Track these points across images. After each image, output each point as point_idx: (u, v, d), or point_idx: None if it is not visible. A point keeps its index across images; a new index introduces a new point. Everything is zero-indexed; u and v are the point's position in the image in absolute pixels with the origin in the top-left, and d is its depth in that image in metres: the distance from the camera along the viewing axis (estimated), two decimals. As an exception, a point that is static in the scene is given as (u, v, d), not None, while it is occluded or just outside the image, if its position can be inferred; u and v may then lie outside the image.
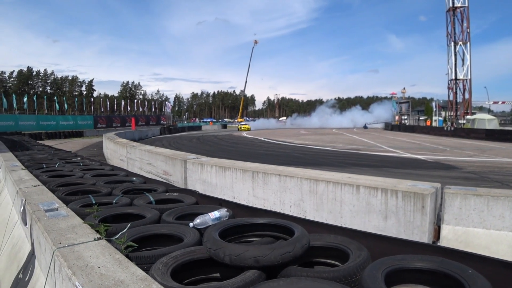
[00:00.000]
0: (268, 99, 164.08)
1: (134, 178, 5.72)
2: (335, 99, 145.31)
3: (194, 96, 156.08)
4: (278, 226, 2.80)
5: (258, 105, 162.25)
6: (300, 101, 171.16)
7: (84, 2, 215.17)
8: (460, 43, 45.39)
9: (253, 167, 5.74)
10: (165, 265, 2.27)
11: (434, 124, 51.66)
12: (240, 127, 64.51)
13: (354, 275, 2.14)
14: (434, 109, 54.52)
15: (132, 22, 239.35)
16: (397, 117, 63.70)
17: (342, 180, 4.43)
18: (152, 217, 3.44)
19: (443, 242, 3.71)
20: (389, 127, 58.31)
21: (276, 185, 5.14)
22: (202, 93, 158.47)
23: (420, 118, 62.38)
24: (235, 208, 3.66)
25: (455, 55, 45.51)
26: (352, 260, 2.28)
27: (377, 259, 2.30)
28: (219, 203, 3.97)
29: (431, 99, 73.37)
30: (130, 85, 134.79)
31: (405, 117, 62.47)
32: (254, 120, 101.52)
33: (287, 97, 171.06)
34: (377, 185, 4.09)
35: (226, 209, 3.19)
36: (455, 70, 45.80)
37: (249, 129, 62.76)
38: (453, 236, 3.72)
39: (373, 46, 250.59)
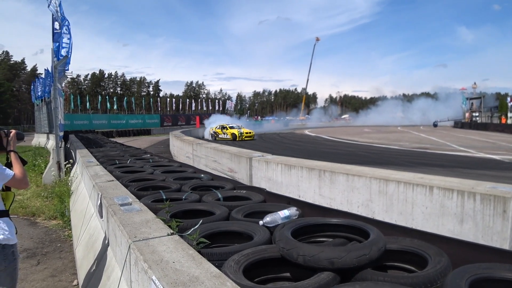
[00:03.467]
0: (330, 96, 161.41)
1: (202, 175, 5.83)
2: (400, 95, 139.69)
3: (256, 94, 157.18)
4: (352, 227, 2.72)
5: (320, 102, 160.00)
6: (363, 98, 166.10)
7: (151, 7, 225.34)
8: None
9: (319, 165, 5.65)
10: (237, 262, 2.28)
11: (509, 121, 48.22)
12: (234, 133, 31.90)
13: (434, 282, 2.02)
14: (510, 105, 50.87)
15: (195, 24, 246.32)
16: (467, 114, 60.17)
17: (414, 180, 4.23)
18: (222, 214, 3.48)
19: (526, 251, 3.42)
20: (459, 124, 55.09)
21: (343, 184, 5.02)
22: (263, 91, 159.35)
23: (494, 115, 58.43)
24: (303, 207, 3.61)
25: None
26: (432, 266, 2.15)
27: (455, 265, 2.16)
28: (287, 201, 3.94)
29: (506, 95, 68.51)
30: (194, 85, 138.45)
31: (477, 114, 58.80)
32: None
33: (350, 94, 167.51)
34: (452, 186, 3.85)
35: (295, 208, 3.16)
36: (535, 62, 42.52)
37: (252, 138, 32.42)
38: (539, 244, 3.43)
39: (441, 39, 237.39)
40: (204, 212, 3.68)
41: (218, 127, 34.05)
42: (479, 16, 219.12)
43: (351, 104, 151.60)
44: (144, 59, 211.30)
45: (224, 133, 32.61)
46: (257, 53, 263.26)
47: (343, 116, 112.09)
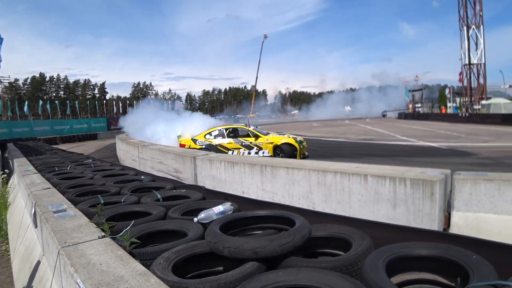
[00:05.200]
0: (280, 93, 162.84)
1: (142, 177, 5.77)
2: (348, 89, 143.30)
3: (206, 93, 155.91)
4: (280, 217, 2.79)
5: (270, 99, 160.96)
6: (312, 93, 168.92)
7: (95, 6, 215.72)
8: (473, 27, 44.50)
9: (261, 161, 5.72)
10: (166, 260, 2.29)
11: (449, 111, 50.84)
12: (290, 143, 13.56)
13: (355, 264, 2.12)
14: (448, 96, 53.65)
15: (142, 23, 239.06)
16: (410, 106, 62.95)
17: (350, 170, 4.37)
18: (158, 214, 3.47)
19: (453, 230, 3.63)
20: (403, 115, 57.51)
21: (284, 178, 5.11)
22: (213, 90, 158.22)
23: (435, 106, 61.44)
24: (243, 202, 3.66)
25: (468, 39, 44.73)
26: (354, 249, 2.26)
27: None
28: (225, 197, 3.98)
29: (445, 86, 72.23)
30: (141, 86, 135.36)
31: (419, 105, 61.63)
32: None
33: (299, 90, 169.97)
34: (385, 173, 4.02)
35: (230, 203, 3.20)
36: (469, 55, 45.02)
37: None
38: (463, 223, 3.63)
39: (385, 35, 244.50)
40: (141, 213, 3.64)
41: (217, 133, 14.54)
42: (420, 12, 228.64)
43: (300, 100, 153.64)
44: (89, 61, 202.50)
45: (250, 146, 13.96)
46: (206, 52, 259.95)
47: (292, 112, 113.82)
